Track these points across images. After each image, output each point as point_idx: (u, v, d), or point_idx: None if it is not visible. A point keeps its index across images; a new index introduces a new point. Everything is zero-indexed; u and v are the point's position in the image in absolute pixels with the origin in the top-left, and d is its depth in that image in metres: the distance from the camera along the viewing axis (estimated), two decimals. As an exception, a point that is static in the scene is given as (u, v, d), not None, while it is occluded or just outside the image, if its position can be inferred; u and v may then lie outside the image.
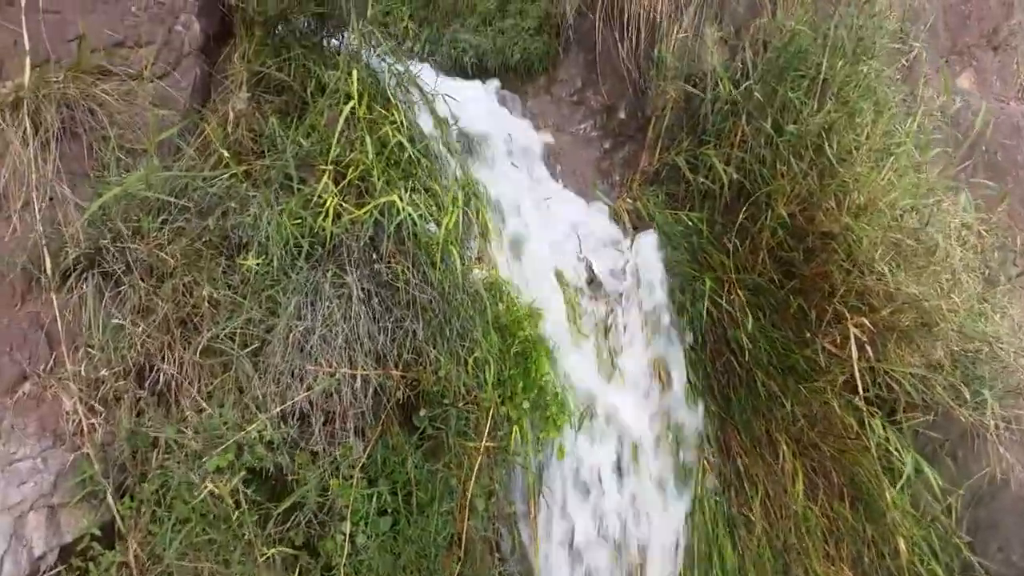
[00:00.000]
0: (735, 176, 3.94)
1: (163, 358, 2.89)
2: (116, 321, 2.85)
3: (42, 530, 2.68)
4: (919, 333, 3.60)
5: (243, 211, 3.05)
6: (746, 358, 3.86)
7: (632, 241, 4.26)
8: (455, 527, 3.30)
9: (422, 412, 3.27)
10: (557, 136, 4.59)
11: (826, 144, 3.66)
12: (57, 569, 2.70)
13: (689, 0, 4.19)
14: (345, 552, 2.95)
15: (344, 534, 2.96)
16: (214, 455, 2.76)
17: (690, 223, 4.16)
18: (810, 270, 3.75)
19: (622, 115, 4.55)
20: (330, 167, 3.20)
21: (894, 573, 3.69)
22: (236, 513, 2.78)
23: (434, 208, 3.44)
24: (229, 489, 2.75)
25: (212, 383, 2.94)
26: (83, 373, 2.81)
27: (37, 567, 2.65)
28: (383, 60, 3.70)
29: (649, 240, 4.19)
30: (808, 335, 3.75)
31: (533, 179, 4.29)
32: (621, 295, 4.15)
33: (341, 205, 3.15)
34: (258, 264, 2.98)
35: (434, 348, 3.23)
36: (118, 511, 2.80)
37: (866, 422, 3.57)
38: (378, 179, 3.24)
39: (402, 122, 3.46)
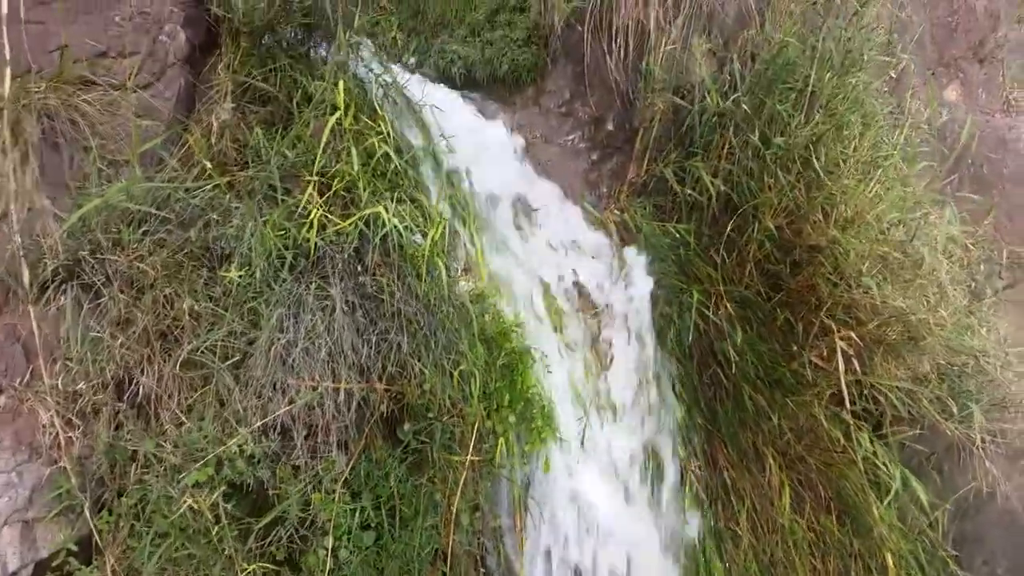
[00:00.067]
0: (722, 188, 3.93)
1: (142, 371, 2.87)
2: (95, 334, 2.82)
3: (17, 545, 2.65)
4: (906, 347, 3.59)
5: (226, 222, 3.03)
6: (733, 371, 3.84)
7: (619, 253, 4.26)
8: (440, 541, 3.28)
9: (406, 426, 3.25)
10: (545, 147, 4.57)
11: (813, 157, 3.64)
12: (32, 584, 2.67)
13: (677, 12, 4.18)
14: (328, 567, 2.94)
15: (327, 549, 2.95)
16: (194, 469, 2.74)
17: (677, 235, 4.15)
18: (797, 283, 3.74)
19: (610, 126, 4.54)
20: (315, 178, 3.19)
21: (881, 588, 3.68)
22: (216, 528, 2.76)
23: (420, 219, 3.42)
24: (209, 503, 2.74)
25: (192, 396, 2.92)
26: (60, 386, 2.79)
27: (12, 583, 2.62)
28: (370, 71, 3.68)
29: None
30: (795, 348, 3.74)
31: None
32: (608, 306, 4.13)
33: (326, 216, 3.13)
34: (240, 276, 2.96)
35: (419, 361, 3.21)
36: (95, 526, 2.78)
37: (853, 436, 3.56)
38: (364, 190, 3.23)
39: (388, 133, 3.44)
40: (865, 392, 3.63)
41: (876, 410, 3.69)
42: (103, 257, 2.86)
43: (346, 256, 3.15)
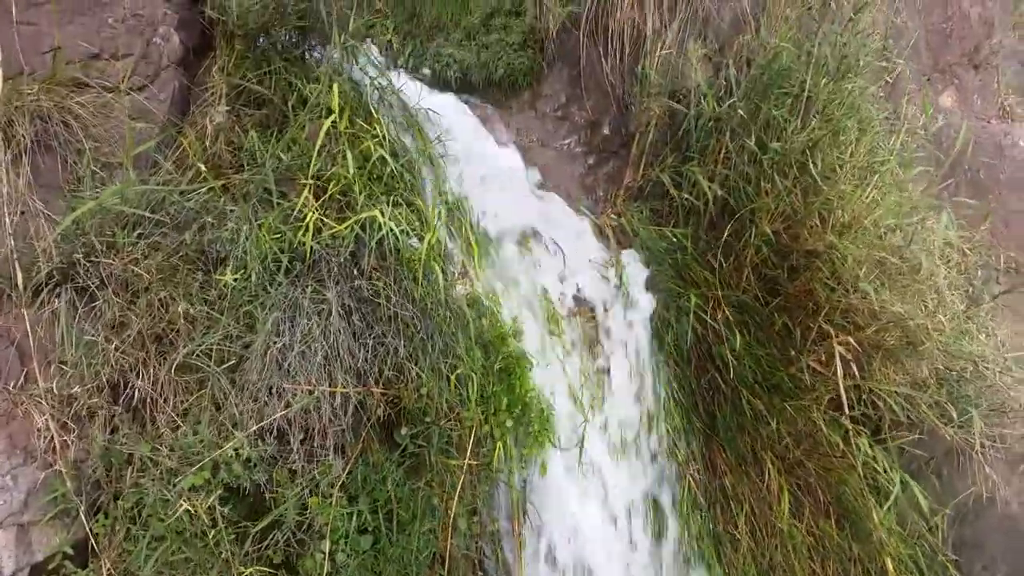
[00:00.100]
0: (719, 193, 3.92)
1: (138, 374, 2.86)
2: (89, 337, 2.80)
3: (12, 548, 2.64)
4: (904, 352, 3.58)
5: (221, 226, 3.02)
6: (731, 375, 3.83)
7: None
8: (437, 545, 3.27)
9: (403, 430, 3.24)
10: (541, 151, 4.57)
11: (810, 162, 3.64)
12: (28, 588, 2.65)
13: (673, 17, 4.18)
14: (325, 571, 2.93)
15: (324, 552, 2.93)
16: (190, 473, 2.73)
17: (674, 239, 4.15)
18: (794, 288, 3.74)
19: (606, 131, 4.54)
20: (311, 181, 3.18)
21: (881, 592, 3.67)
22: (213, 531, 2.75)
23: (417, 223, 3.41)
24: (205, 507, 2.72)
25: (188, 400, 2.91)
26: (55, 389, 2.77)
27: (7, 586, 2.60)
28: (365, 73, 3.68)
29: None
30: (793, 353, 3.72)
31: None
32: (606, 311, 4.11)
33: (322, 220, 3.13)
34: (236, 279, 2.95)
35: (416, 365, 3.20)
36: (91, 529, 2.77)
37: (852, 440, 3.55)
38: (360, 194, 3.22)
39: (384, 136, 3.43)
40: (864, 397, 3.62)
41: (875, 415, 3.68)
42: (97, 260, 2.86)
43: (342, 260, 3.14)
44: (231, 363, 2.93)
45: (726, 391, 3.92)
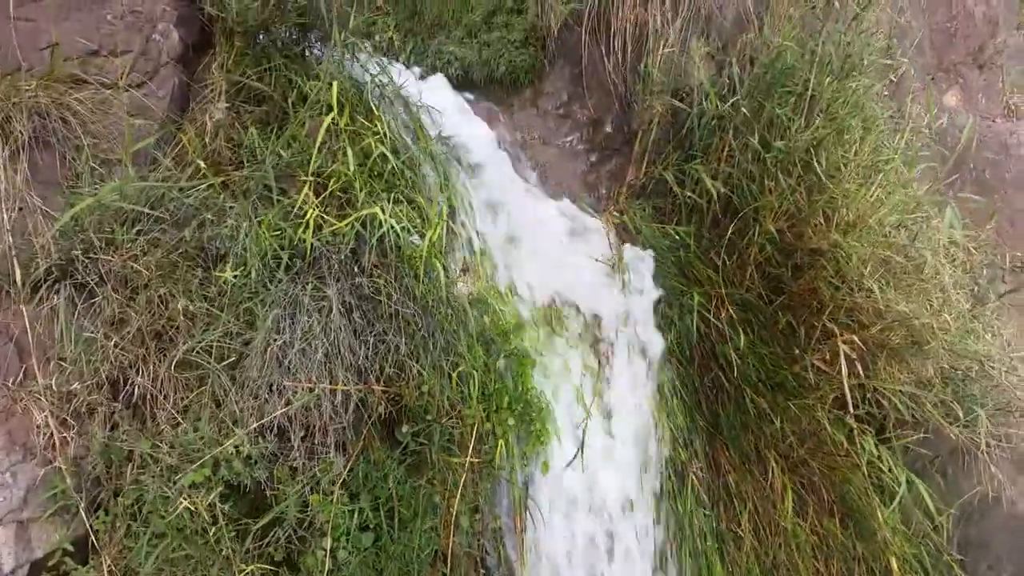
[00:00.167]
0: (722, 191, 3.91)
1: (137, 371, 2.86)
2: (88, 334, 2.80)
3: (12, 545, 2.63)
4: (909, 351, 3.56)
5: (220, 222, 3.01)
6: (734, 374, 3.82)
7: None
8: (439, 543, 3.26)
9: (405, 427, 3.23)
10: (543, 149, 4.56)
11: (814, 160, 3.63)
12: (28, 585, 2.64)
13: (675, 14, 4.17)
14: (326, 568, 2.92)
15: (325, 550, 2.92)
16: (190, 470, 2.72)
17: (677, 237, 4.13)
18: (799, 286, 3.72)
19: (608, 128, 4.53)
20: (311, 178, 3.18)
21: (885, 592, 3.65)
22: (213, 528, 2.74)
23: (418, 220, 3.40)
24: (206, 504, 2.71)
25: (188, 397, 2.90)
26: (54, 386, 2.76)
27: (7, 583, 2.59)
28: (366, 70, 3.67)
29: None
30: (797, 351, 3.71)
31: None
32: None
33: (322, 217, 3.12)
34: (235, 276, 2.94)
35: (417, 362, 3.19)
36: (91, 526, 2.76)
37: (856, 439, 3.53)
38: (360, 191, 3.21)
39: (385, 133, 3.42)
40: (868, 396, 3.60)
41: (879, 414, 3.66)
42: (96, 257, 2.85)
43: (343, 257, 3.14)
44: (231, 360, 2.92)
45: (729, 390, 3.90)
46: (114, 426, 2.84)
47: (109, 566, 2.72)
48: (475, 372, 3.33)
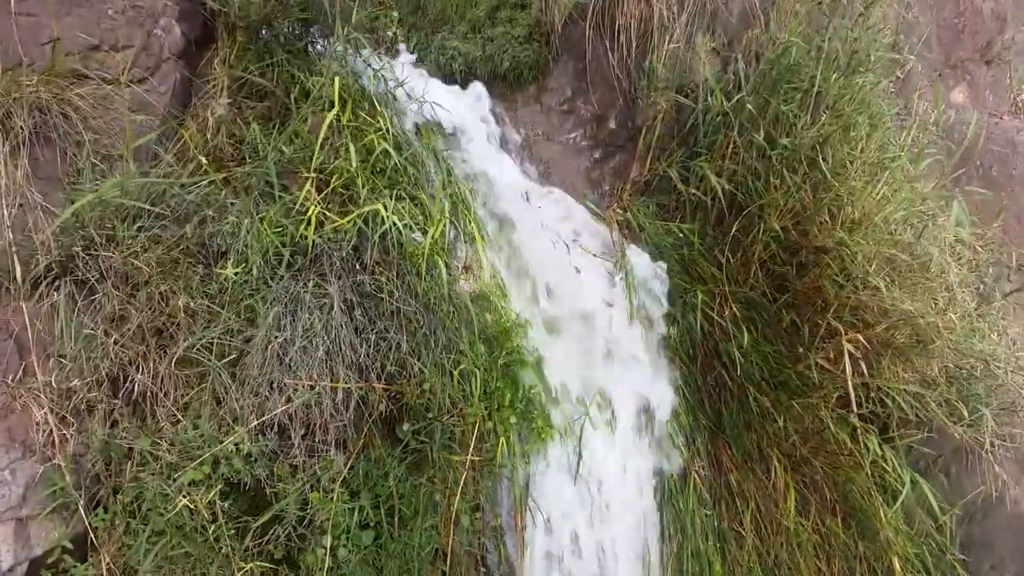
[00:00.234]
0: (727, 188, 3.89)
1: (137, 368, 2.85)
2: (89, 330, 2.79)
3: (10, 542, 2.63)
4: (914, 350, 3.54)
5: (222, 219, 3.00)
6: (738, 372, 3.80)
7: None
8: (440, 541, 3.25)
9: (405, 425, 3.22)
10: (547, 145, 4.54)
11: (820, 158, 3.61)
12: (27, 582, 2.64)
13: (681, 10, 4.15)
14: (326, 566, 2.91)
15: (325, 548, 2.92)
16: (190, 467, 2.71)
17: (681, 234, 4.11)
18: (803, 284, 3.70)
19: (612, 125, 4.51)
20: (313, 174, 3.16)
21: (888, 591, 3.64)
22: (213, 526, 2.73)
23: (420, 217, 3.39)
24: (206, 502, 2.70)
25: (188, 394, 2.89)
26: (54, 383, 2.75)
27: (5, 581, 2.59)
28: (369, 66, 3.65)
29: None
30: (801, 350, 3.69)
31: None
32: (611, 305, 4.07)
33: (324, 213, 3.10)
34: (236, 273, 2.93)
35: (418, 360, 3.18)
36: (90, 523, 2.75)
37: (860, 438, 3.51)
38: (362, 187, 3.20)
39: (388, 129, 3.41)
40: (872, 395, 3.58)
41: (883, 413, 3.64)
42: (97, 253, 2.84)
43: (344, 254, 3.12)
44: (232, 357, 2.91)
45: (732, 388, 3.89)
46: (114, 423, 2.84)
47: (108, 564, 2.72)
48: (477, 370, 3.32)
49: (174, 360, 2.85)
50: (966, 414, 3.56)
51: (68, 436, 2.76)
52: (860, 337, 3.45)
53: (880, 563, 3.63)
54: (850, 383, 3.41)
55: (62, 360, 2.78)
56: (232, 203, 3.06)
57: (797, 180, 3.66)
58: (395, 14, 4.24)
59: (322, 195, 3.16)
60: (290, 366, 2.91)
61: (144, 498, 2.71)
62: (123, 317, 2.85)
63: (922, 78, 4.71)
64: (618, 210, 4.33)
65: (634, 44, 4.27)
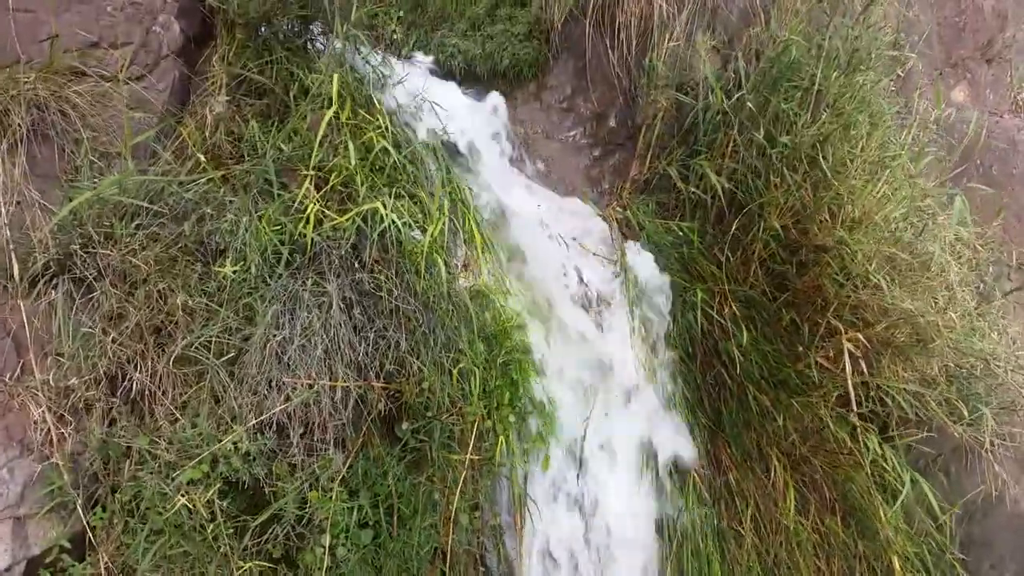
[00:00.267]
0: (727, 186, 3.88)
1: (136, 367, 2.84)
2: (87, 329, 2.78)
3: (8, 542, 2.62)
4: (914, 349, 3.54)
5: (220, 217, 2.99)
6: (737, 371, 3.80)
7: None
8: (439, 540, 3.24)
9: (404, 424, 3.21)
10: (546, 143, 4.53)
11: (820, 156, 3.60)
12: (24, 582, 2.63)
13: (681, 7, 4.14)
14: (325, 565, 2.90)
15: (324, 547, 2.91)
16: (188, 466, 2.71)
17: (681, 233, 4.11)
18: (803, 283, 3.70)
19: (612, 123, 4.51)
20: (312, 172, 3.15)
21: (887, 591, 3.64)
22: (211, 525, 2.73)
23: (419, 215, 3.38)
24: (204, 501, 2.70)
25: (187, 393, 2.89)
26: (52, 381, 2.75)
27: (3, 580, 2.59)
28: (368, 64, 3.64)
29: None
30: (801, 349, 3.69)
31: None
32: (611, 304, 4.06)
33: (323, 212, 3.10)
34: (235, 271, 2.92)
35: (417, 359, 3.17)
36: (89, 522, 2.74)
37: (860, 437, 3.51)
38: (361, 185, 3.19)
39: (387, 127, 3.40)
40: (872, 394, 3.57)
41: (883, 412, 3.64)
42: (95, 251, 2.83)
43: (343, 252, 3.11)
44: (230, 356, 2.90)
45: (732, 387, 3.89)
46: (112, 422, 2.83)
47: (106, 563, 2.71)
48: (476, 369, 3.31)
49: (172, 358, 2.85)
50: (966, 413, 3.56)
51: (66, 435, 2.75)
52: (860, 336, 3.44)
53: (880, 562, 3.63)
54: (850, 382, 3.41)
55: (60, 358, 2.77)
56: (231, 201, 3.05)
57: (797, 179, 3.66)
58: (395, 11, 4.24)
59: (321, 193, 3.15)
60: (289, 365, 2.90)
61: (142, 497, 2.70)
62: (121, 315, 2.84)
63: (923, 76, 4.70)
64: (618, 208, 4.33)
65: (634, 42, 4.26)
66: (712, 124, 4.07)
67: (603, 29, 4.37)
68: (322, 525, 2.92)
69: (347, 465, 3.07)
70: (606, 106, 4.51)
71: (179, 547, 2.71)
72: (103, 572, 2.71)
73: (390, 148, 3.35)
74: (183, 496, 2.67)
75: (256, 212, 3.03)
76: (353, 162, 3.19)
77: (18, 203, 2.82)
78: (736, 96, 3.94)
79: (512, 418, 3.43)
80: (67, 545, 2.69)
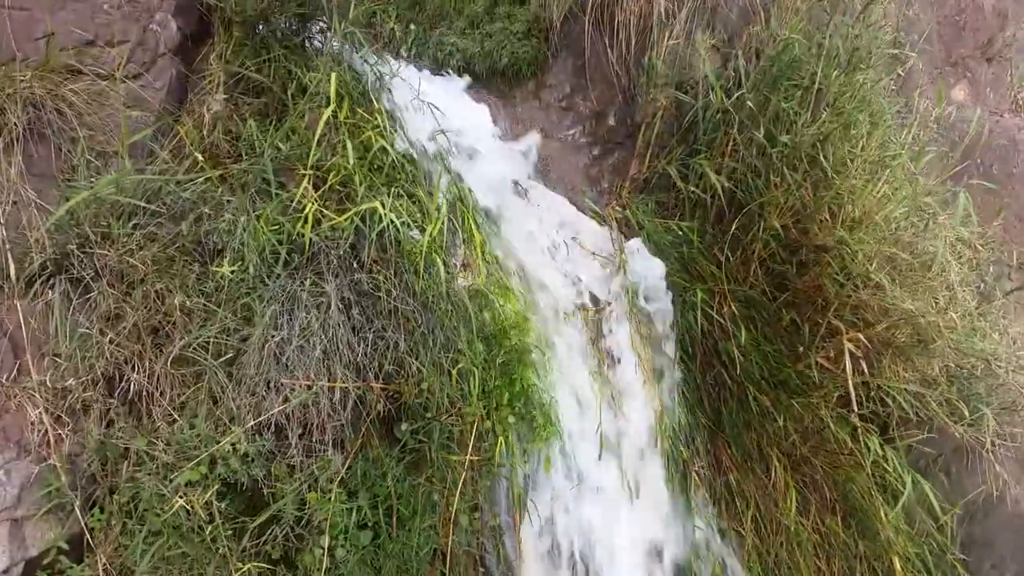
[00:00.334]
0: (727, 186, 3.87)
1: (133, 367, 2.82)
2: (84, 329, 2.77)
3: (5, 543, 2.60)
4: (914, 349, 3.54)
5: (218, 216, 2.98)
6: (737, 371, 3.79)
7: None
8: (438, 541, 3.23)
9: (404, 425, 3.20)
10: (546, 142, 4.52)
11: (820, 155, 3.59)
12: (22, 584, 2.62)
13: (680, 6, 4.13)
14: (324, 566, 2.89)
15: (323, 548, 2.90)
16: (187, 467, 2.70)
17: (680, 232, 4.09)
18: (803, 283, 3.69)
19: (612, 121, 4.50)
20: (310, 172, 3.14)
21: (888, 591, 3.64)
22: (210, 526, 2.71)
23: (418, 215, 3.37)
24: (202, 502, 2.69)
25: (185, 393, 2.87)
26: (49, 382, 2.73)
27: (0, 582, 2.57)
28: (366, 62, 3.63)
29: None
30: (801, 349, 3.68)
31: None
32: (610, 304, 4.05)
33: (321, 211, 3.08)
34: (233, 271, 2.91)
35: (417, 359, 3.15)
36: (86, 524, 2.72)
37: (860, 438, 3.50)
38: (360, 184, 3.18)
39: (385, 126, 3.39)
40: (872, 394, 3.57)
41: (883, 412, 3.64)
42: (92, 251, 2.81)
43: (342, 252, 3.10)
44: (228, 356, 2.89)
45: (732, 387, 3.88)
46: (109, 423, 2.81)
47: (104, 564, 2.69)
48: (475, 369, 3.30)
49: (170, 359, 2.83)
50: (967, 413, 3.56)
51: (63, 436, 2.73)
52: (860, 336, 3.44)
53: (880, 563, 3.63)
54: (850, 382, 3.41)
55: (57, 359, 2.75)
56: (228, 200, 3.04)
57: (797, 178, 3.65)
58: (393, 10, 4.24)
59: (319, 192, 3.14)
60: (287, 365, 2.89)
61: (140, 498, 2.69)
62: (118, 316, 2.83)
63: (923, 75, 4.70)
64: (617, 208, 4.32)
65: (634, 40, 4.26)
66: (712, 123, 4.07)
67: (602, 27, 4.36)
68: (321, 526, 2.91)
69: (346, 466, 3.06)
70: (605, 105, 4.50)
71: (177, 548, 2.70)
72: (101, 573, 2.69)
73: (388, 147, 3.34)
74: (181, 497, 2.66)
75: (254, 212, 3.01)
76: (351, 161, 3.18)
77: (14, 203, 2.80)
78: (736, 95, 3.93)
79: (511, 418, 3.42)
80: (65, 547, 2.67)
